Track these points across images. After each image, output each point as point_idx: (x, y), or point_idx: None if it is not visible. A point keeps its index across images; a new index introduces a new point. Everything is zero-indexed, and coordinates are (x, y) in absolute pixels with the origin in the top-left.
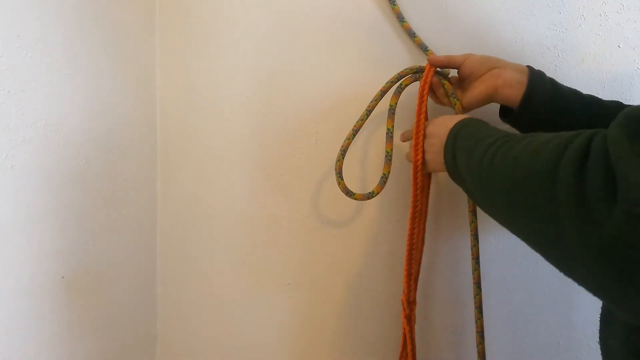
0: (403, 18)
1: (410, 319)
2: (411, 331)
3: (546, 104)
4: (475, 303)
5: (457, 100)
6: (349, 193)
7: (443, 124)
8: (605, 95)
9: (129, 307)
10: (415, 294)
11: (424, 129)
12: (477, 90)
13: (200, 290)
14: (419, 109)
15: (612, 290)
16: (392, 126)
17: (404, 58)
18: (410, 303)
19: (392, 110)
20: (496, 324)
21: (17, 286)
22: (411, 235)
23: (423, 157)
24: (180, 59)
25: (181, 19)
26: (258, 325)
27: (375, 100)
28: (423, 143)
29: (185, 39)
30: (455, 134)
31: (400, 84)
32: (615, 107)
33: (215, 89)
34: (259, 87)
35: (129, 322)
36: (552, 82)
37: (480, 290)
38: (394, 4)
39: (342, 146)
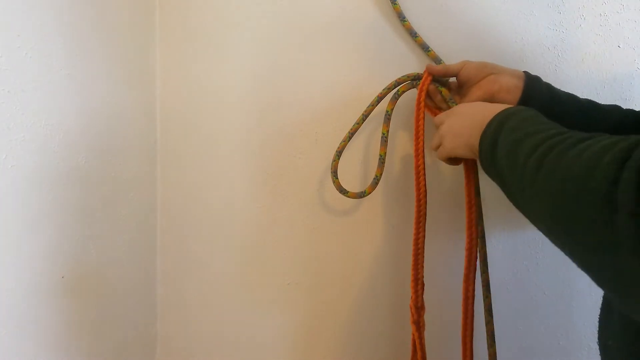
0: (404, 17)
1: (419, 324)
2: (420, 337)
3: (542, 108)
4: (484, 305)
5: (456, 104)
6: (342, 191)
7: (481, 105)
8: (605, 95)
9: (129, 307)
10: (422, 299)
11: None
12: (474, 96)
13: (200, 290)
14: (417, 116)
15: None
16: (387, 131)
17: (405, 58)
18: (418, 309)
19: (387, 116)
20: (496, 324)
21: (17, 286)
22: (416, 239)
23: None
24: (180, 59)
25: (181, 19)
26: (258, 325)
27: (372, 105)
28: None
29: (185, 39)
30: (502, 120)
31: (397, 91)
32: (613, 111)
33: (215, 88)
34: (259, 87)
35: (129, 322)
36: (549, 87)
37: (490, 292)
38: (395, 3)
39: (338, 148)
